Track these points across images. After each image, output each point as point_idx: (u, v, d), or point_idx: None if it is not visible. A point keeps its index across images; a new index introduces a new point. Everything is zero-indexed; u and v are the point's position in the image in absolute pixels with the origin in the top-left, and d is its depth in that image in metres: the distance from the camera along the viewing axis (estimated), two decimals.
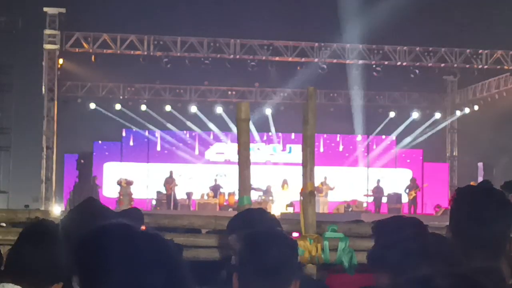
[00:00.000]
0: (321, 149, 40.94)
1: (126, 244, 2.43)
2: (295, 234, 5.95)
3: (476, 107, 40.00)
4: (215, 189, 36.19)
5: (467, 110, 40.65)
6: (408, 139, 42.54)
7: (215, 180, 36.64)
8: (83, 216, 4.46)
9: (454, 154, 41.82)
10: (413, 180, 37.26)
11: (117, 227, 2.52)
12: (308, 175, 6.38)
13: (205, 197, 35.85)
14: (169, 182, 36.00)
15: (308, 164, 6.38)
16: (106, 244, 2.45)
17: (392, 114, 41.81)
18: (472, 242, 3.66)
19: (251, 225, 4.69)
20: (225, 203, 34.81)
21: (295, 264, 3.92)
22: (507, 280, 3.70)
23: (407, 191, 36.80)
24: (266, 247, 3.82)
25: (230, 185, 33.79)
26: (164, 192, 36.14)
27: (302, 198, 6.36)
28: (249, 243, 3.92)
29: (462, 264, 3.46)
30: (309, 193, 6.33)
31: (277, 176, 36.66)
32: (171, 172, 36.40)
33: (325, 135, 41.50)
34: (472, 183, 30.46)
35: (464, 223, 3.75)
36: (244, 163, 6.55)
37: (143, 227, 3.02)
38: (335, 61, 34.92)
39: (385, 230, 4.62)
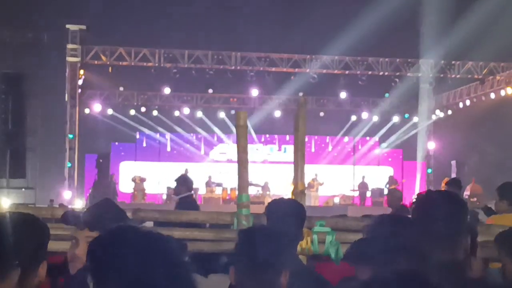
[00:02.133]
0: (313, 149, 40.92)
1: (133, 245, 2.42)
2: None
3: (449, 112, 39.98)
4: (209, 184, 36.18)
5: (441, 115, 40.62)
6: (389, 140, 42.57)
7: (209, 177, 36.53)
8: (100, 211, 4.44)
9: (430, 153, 41.75)
10: (391, 177, 37.39)
11: (126, 231, 2.51)
12: (299, 175, 6.38)
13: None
14: None
15: (299, 166, 6.38)
16: (116, 246, 2.45)
17: (375, 118, 41.76)
18: (431, 238, 3.64)
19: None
20: (227, 197, 34.75)
21: (286, 257, 3.90)
22: (474, 272, 3.69)
23: (387, 186, 36.86)
24: (259, 242, 3.80)
25: (232, 181, 33.74)
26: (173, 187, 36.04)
27: (294, 196, 6.37)
28: (243, 239, 3.91)
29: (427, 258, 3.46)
30: (300, 192, 6.33)
31: (273, 173, 36.66)
32: (186, 170, 36.29)
33: (316, 137, 41.48)
34: (445, 179, 30.19)
35: (421, 221, 3.75)
36: (242, 164, 6.55)
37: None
38: (324, 71, 34.89)
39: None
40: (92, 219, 4.07)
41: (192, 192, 13.26)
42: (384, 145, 42.84)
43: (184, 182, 12.94)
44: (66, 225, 4.55)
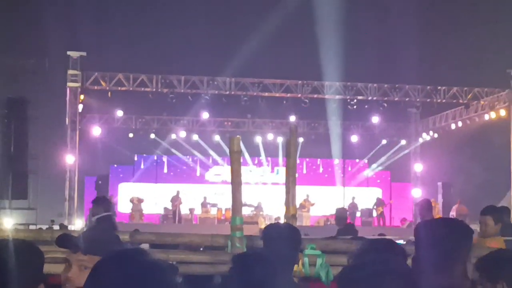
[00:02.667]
0: (304, 171, 40.98)
1: (130, 271, 2.42)
2: None
3: (435, 135, 40.02)
4: (204, 205, 36.17)
5: (428, 138, 40.67)
6: (378, 162, 42.61)
7: (204, 198, 36.52)
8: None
9: (417, 175, 41.77)
10: (378, 199, 37.50)
11: (125, 256, 2.51)
12: (290, 200, 6.38)
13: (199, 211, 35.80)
14: (175, 199, 35.89)
15: (290, 191, 6.38)
16: (113, 270, 2.44)
17: (364, 141, 41.84)
18: (428, 263, 3.65)
19: None
20: (222, 217, 34.68)
21: (280, 282, 3.88)
22: None
23: (375, 207, 36.93)
24: (253, 267, 3.78)
25: (227, 201, 33.68)
26: (170, 208, 36.03)
27: (285, 219, 6.36)
28: (237, 263, 3.89)
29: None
30: (292, 216, 6.33)
31: (266, 194, 36.69)
32: (177, 191, 36.28)
33: (307, 159, 41.53)
34: (432, 200, 30.00)
35: (418, 247, 3.76)
36: (236, 188, 6.55)
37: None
38: (315, 96, 34.91)
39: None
40: (85, 243, 4.04)
41: (111, 213, 12.89)
42: (373, 166, 42.87)
43: (101, 202, 12.68)
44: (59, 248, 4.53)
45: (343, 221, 13.56)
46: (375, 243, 4.40)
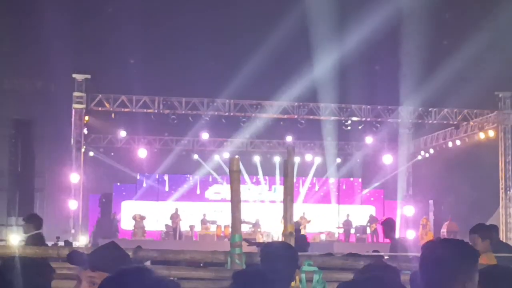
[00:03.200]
0: (301, 189, 40.93)
1: (134, 287, 2.42)
2: None
3: (427, 155, 40.02)
4: (204, 222, 36.14)
5: (419, 157, 40.68)
6: (371, 181, 42.61)
7: (204, 215, 36.48)
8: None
9: (409, 193, 41.73)
10: (371, 216, 37.47)
11: (132, 273, 2.51)
12: (288, 218, 6.37)
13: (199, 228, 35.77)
14: (175, 217, 35.85)
15: (288, 209, 6.37)
16: (119, 286, 2.44)
17: (358, 160, 41.87)
18: (427, 284, 3.67)
19: None
20: (221, 234, 34.61)
21: None
22: None
23: (368, 224, 36.90)
24: (251, 284, 3.76)
25: (226, 218, 33.61)
26: (171, 225, 35.98)
27: (283, 237, 6.35)
28: (236, 280, 3.87)
29: None
30: (289, 234, 6.32)
31: (264, 211, 36.64)
32: (176, 209, 36.25)
33: (303, 178, 41.51)
34: (424, 217, 30.03)
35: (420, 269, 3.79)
36: (235, 206, 6.55)
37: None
38: (311, 117, 34.91)
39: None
40: (96, 260, 4.03)
41: (41, 230, 12.71)
42: (366, 185, 42.87)
43: (32, 221, 12.54)
44: (70, 265, 4.52)
45: (296, 233, 13.26)
46: (369, 266, 4.43)
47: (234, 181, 6.61)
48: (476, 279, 3.84)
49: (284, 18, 32.10)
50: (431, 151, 39.57)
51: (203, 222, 36.01)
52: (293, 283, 5.80)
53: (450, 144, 37.41)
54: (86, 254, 4.16)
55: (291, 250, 5.25)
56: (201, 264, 6.88)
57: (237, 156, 6.64)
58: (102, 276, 3.75)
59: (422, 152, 40.46)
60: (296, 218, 32.15)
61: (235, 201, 6.57)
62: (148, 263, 6.65)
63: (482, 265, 5.70)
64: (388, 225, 12.68)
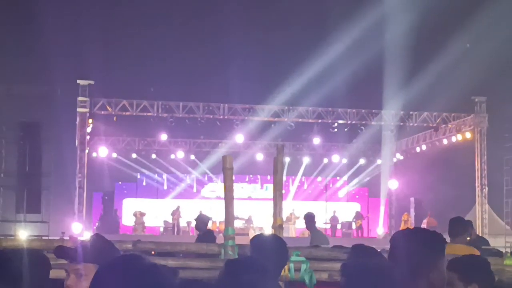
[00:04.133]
0: (291, 188, 40.98)
1: (129, 272, 2.39)
2: None
3: (408, 155, 40.10)
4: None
5: (401, 158, 40.76)
6: (356, 180, 42.68)
7: (200, 212, 36.40)
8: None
9: (392, 191, 41.80)
10: (357, 212, 37.55)
11: (122, 260, 2.48)
12: (277, 212, 6.38)
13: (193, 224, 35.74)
14: (175, 213, 35.82)
15: (277, 204, 6.38)
16: (114, 273, 2.41)
17: (344, 161, 41.91)
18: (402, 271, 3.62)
19: None
20: (216, 230, 34.57)
21: (268, 285, 3.84)
22: None
23: (354, 220, 36.95)
24: (245, 271, 3.74)
25: (220, 215, 33.57)
26: (170, 221, 35.95)
27: (273, 229, 6.36)
28: (230, 267, 3.85)
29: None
30: (278, 226, 6.33)
31: (256, 209, 36.63)
32: (178, 206, 36.23)
33: (293, 177, 41.55)
34: (405, 214, 30.07)
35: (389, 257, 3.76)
36: (228, 202, 6.55)
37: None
38: (300, 120, 34.95)
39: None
40: (79, 253, 4.02)
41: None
42: (352, 183, 42.93)
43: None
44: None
45: (204, 226, 13.19)
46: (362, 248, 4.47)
47: (228, 178, 6.62)
48: (442, 267, 3.71)
49: (273, 25, 32.19)
50: (412, 151, 39.66)
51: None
52: (282, 272, 5.81)
53: (429, 145, 37.49)
54: (71, 248, 4.15)
55: (280, 241, 5.25)
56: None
57: (230, 155, 6.65)
58: (87, 267, 3.76)
59: (404, 153, 40.53)
60: (286, 214, 32.21)
61: (229, 197, 6.58)
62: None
63: (454, 255, 5.71)
64: (309, 218, 12.86)
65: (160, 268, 2.48)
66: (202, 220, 13.19)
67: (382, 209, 40.76)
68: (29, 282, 3.42)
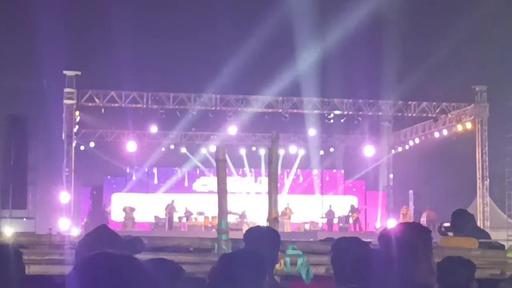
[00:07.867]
0: (285, 181, 40.94)
1: (113, 272, 2.31)
2: None
3: (406, 147, 40.09)
4: (188, 215, 36.20)
5: (399, 149, 40.78)
6: (353, 172, 42.68)
7: (185, 208, 36.53)
8: (94, 240, 4.40)
9: (390, 184, 41.85)
10: (352, 206, 37.59)
11: (99, 259, 2.38)
12: (272, 204, 6.37)
13: (193, 220, 35.84)
14: (170, 208, 35.78)
15: (272, 195, 6.38)
16: (97, 271, 2.34)
17: (340, 152, 41.93)
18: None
19: None
20: (209, 225, 34.60)
21: (260, 279, 3.82)
22: None
23: (350, 214, 36.98)
24: (239, 265, 3.74)
25: (213, 209, 33.60)
26: (161, 217, 35.94)
27: (268, 222, 6.35)
28: (225, 262, 3.84)
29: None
30: (274, 219, 6.32)
31: (250, 203, 36.63)
32: (172, 201, 36.22)
33: (288, 170, 41.52)
34: (404, 207, 30.11)
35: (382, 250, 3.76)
36: (222, 194, 6.55)
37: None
38: (295, 111, 34.95)
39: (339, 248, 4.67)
40: (85, 246, 4.01)
41: None
42: (348, 176, 42.94)
43: None
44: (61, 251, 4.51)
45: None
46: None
47: (220, 170, 6.61)
48: (432, 259, 3.69)
49: (267, 15, 32.13)
50: (411, 143, 39.66)
51: (187, 213, 36.16)
52: (278, 266, 5.81)
53: (429, 136, 37.51)
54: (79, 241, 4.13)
55: (274, 234, 5.26)
56: (191, 249, 6.86)
57: (223, 146, 6.63)
58: None
59: (402, 144, 40.54)
60: (281, 208, 32.21)
61: (222, 190, 6.57)
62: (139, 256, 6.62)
63: (464, 249, 5.73)
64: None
65: (137, 264, 2.40)
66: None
67: (379, 202, 40.81)
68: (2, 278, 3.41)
